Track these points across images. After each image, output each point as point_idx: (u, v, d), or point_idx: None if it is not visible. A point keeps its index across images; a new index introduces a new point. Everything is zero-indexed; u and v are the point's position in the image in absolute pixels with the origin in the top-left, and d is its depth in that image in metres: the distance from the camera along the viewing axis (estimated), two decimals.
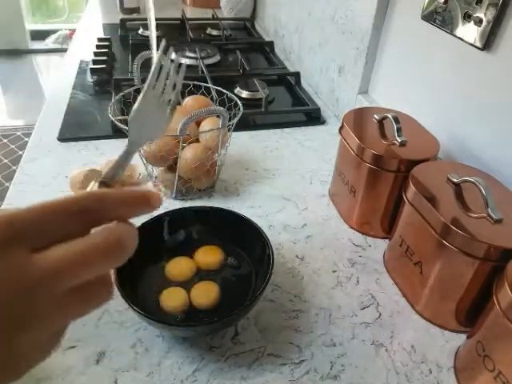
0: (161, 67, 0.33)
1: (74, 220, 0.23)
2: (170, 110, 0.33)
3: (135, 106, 0.32)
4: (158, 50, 0.71)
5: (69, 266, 0.21)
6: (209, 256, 0.57)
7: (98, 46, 1.23)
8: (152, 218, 0.58)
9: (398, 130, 0.61)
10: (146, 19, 1.44)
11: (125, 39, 1.33)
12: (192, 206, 0.61)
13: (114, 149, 0.79)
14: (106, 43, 1.26)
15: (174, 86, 0.33)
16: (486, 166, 0.60)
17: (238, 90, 1.04)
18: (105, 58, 1.15)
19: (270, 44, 1.35)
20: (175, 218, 0.59)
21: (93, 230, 0.24)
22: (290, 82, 1.14)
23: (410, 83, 0.77)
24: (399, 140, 0.61)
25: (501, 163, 0.59)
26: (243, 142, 0.88)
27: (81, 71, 1.12)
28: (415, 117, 0.69)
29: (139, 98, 0.32)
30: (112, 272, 0.26)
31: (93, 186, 0.28)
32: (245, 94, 1.03)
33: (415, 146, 0.62)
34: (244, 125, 0.91)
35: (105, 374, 0.46)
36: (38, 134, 0.86)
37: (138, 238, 0.25)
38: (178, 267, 0.56)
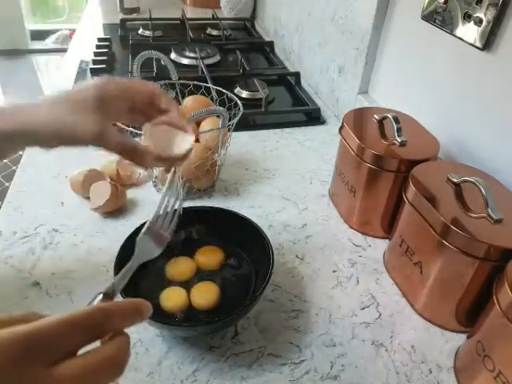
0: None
1: (85, 334, 0.26)
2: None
3: (144, 231, 0.40)
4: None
5: (84, 381, 0.24)
6: (209, 256, 0.57)
7: (97, 46, 1.23)
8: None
9: (398, 130, 0.61)
10: (146, 19, 1.45)
11: (125, 39, 1.33)
12: (192, 205, 0.61)
13: None
14: (106, 43, 1.26)
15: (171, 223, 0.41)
16: (486, 166, 0.60)
17: (238, 90, 1.04)
18: (105, 57, 1.15)
19: (270, 44, 1.35)
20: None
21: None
22: (290, 82, 1.14)
23: (409, 83, 0.77)
24: (399, 140, 0.61)
25: (501, 163, 0.59)
26: (243, 142, 0.88)
27: (81, 71, 1.12)
28: (415, 117, 0.69)
29: (146, 225, 0.40)
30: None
31: (97, 298, 0.33)
32: (245, 94, 1.03)
33: (415, 146, 0.62)
34: (244, 125, 0.91)
35: None
36: None
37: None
38: (178, 267, 0.56)
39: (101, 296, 0.32)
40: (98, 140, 0.40)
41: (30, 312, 0.26)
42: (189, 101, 0.74)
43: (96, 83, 0.42)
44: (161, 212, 0.41)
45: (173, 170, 0.44)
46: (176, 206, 0.42)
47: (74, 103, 0.40)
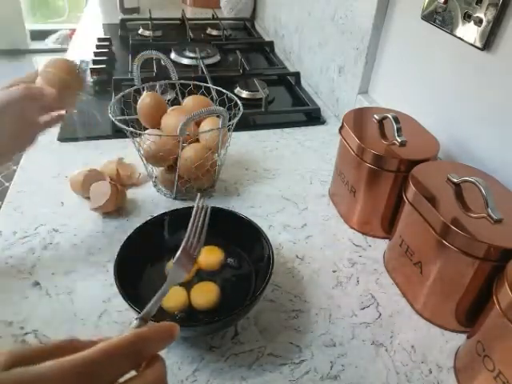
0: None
1: (128, 361, 0.27)
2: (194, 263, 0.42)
3: (177, 256, 0.41)
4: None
5: None
6: (209, 256, 0.57)
7: (97, 46, 1.23)
8: (152, 218, 0.58)
9: (398, 130, 0.61)
10: (146, 19, 1.45)
11: (125, 39, 1.33)
12: (192, 205, 0.61)
13: (113, 149, 0.79)
14: (106, 43, 1.26)
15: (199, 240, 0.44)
16: (486, 166, 0.60)
17: (238, 90, 1.04)
18: (105, 57, 1.15)
19: (270, 44, 1.35)
20: (175, 218, 0.59)
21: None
22: (290, 82, 1.14)
23: (409, 83, 0.77)
24: (399, 140, 0.61)
25: (501, 163, 0.59)
26: (243, 142, 0.88)
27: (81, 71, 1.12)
28: (415, 117, 0.69)
29: (179, 251, 0.41)
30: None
31: (133, 323, 0.33)
32: (245, 93, 1.03)
33: (415, 146, 0.62)
34: (244, 125, 0.91)
35: None
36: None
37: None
38: None
39: (137, 321, 0.34)
40: None
41: (67, 339, 0.27)
42: (189, 101, 0.74)
43: None
44: (191, 235, 0.44)
45: (199, 195, 0.46)
46: (204, 225, 0.45)
47: None
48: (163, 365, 0.28)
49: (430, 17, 0.68)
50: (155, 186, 0.73)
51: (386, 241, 0.66)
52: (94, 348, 0.25)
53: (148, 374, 0.27)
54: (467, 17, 0.60)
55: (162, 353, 0.48)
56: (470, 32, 0.60)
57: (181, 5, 1.73)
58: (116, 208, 0.67)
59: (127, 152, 0.76)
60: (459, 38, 0.62)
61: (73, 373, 0.23)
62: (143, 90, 0.74)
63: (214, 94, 0.82)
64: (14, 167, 2.34)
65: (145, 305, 0.50)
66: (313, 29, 1.11)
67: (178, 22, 1.48)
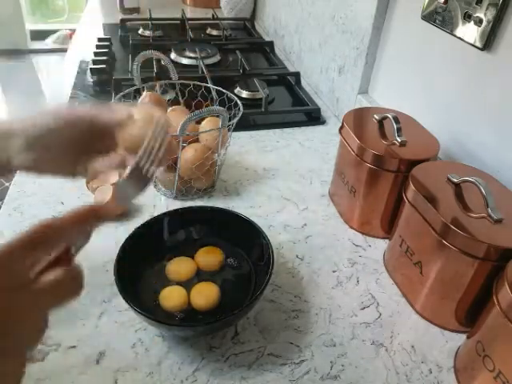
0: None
1: (39, 250, 0.28)
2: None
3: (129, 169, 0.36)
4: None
5: (51, 293, 0.27)
6: (209, 257, 0.57)
7: (97, 46, 1.23)
8: (152, 218, 0.58)
9: (398, 130, 0.61)
10: (146, 19, 1.45)
11: (125, 39, 1.33)
12: (192, 205, 0.61)
13: None
14: (106, 43, 1.26)
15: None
16: (486, 166, 0.60)
17: (238, 90, 1.04)
18: (105, 57, 1.15)
19: (270, 44, 1.35)
20: (175, 218, 0.59)
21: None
22: (290, 82, 1.14)
23: (409, 83, 0.77)
24: (399, 140, 0.61)
25: (501, 163, 0.59)
26: (243, 142, 0.88)
27: (81, 71, 1.12)
28: (415, 117, 0.69)
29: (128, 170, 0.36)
30: (82, 272, 0.30)
31: None
32: (245, 93, 1.03)
33: (415, 146, 0.62)
34: (244, 125, 0.91)
35: (105, 374, 0.46)
36: None
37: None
38: (179, 267, 0.56)
39: None
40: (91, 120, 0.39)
41: None
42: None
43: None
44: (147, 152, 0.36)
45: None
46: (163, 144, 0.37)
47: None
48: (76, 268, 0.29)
49: (430, 17, 0.68)
50: (155, 186, 0.73)
51: (386, 241, 0.66)
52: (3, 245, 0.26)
53: (65, 270, 0.28)
54: (467, 17, 0.60)
55: (163, 351, 0.49)
56: (470, 32, 0.60)
57: (181, 5, 1.73)
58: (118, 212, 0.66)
59: None
60: (459, 38, 0.62)
61: None
62: (143, 89, 0.74)
63: (214, 93, 0.82)
64: None
65: (145, 305, 0.50)
66: (313, 29, 1.11)
67: (178, 22, 1.48)
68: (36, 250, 0.27)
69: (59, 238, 0.29)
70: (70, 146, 0.39)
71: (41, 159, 0.39)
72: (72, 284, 0.28)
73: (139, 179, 0.36)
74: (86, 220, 0.32)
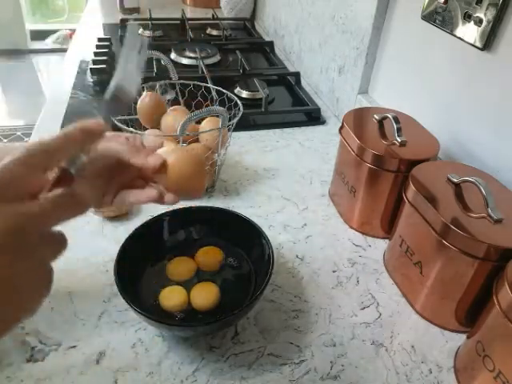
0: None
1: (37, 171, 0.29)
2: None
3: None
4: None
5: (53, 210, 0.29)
6: (209, 257, 0.57)
7: (97, 46, 1.23)
8: (152, 218, 0.58)
9: (398, 130, 0.61)
10: (146, 19, 1.45)
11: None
12: (192, 205, 0.61)
13: None
14: (106, 43, 1.26)
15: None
16: (486, 166, 0.60)
17: (238, 90, 1.04)
18: (105, 58, 1.15)
19: (270, 44, 1.35)
20: (175, 218, 0.59)
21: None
22: (290, 82, 1.14)
23: (409, 83, 0.77)
24: (399, 140, 0.61)
25: (501, 163, 0.59)
26: (243, 142, 0.88)
27: (81, 71, 1.12)
28: (415, 117, 0.69)
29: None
30: (86, 190, 0.32)
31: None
32: (245, 93, 1.03)
33: (415, 146, 0.62)
34: (244, 125, 0.91)
35: (105, 373, 0.46)
36: (38, 134, 0.86)
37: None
38: (179, 267, 0.56)
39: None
40: None
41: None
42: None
43: None
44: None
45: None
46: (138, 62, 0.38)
47: None
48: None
49: (430, 17, 0.68)
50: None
51: (386, 241, 0.66)
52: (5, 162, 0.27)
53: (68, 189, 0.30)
54: (467, 17, 0.60)
55: (163, 351, 0.49)
56: (469, 32, 0.60)
57: (181, 5, 1.73)
58: (119, 214, 0.66)
59: None
60: (459, 38, 0.62)
61: None
62: (143, 89, 0.74)
63: (214, 93, 0.82)
64: None
65: (145, 305, 0.50)
66: (313, 29, 1.11)
67: (178, 22, 1.48)
68: (34, 168, 0.28)
69: (55, 157, 0.30)
70: (101, 175, 0.39)
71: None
72: (73, 200, 0.30)
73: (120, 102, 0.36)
74: (80, 138, 0.32)
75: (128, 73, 0.36)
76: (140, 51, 0.37)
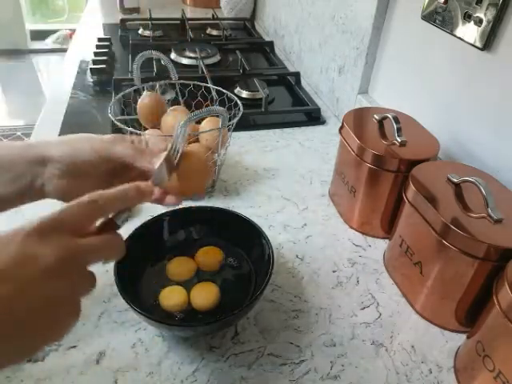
0: None
1: (92, 216, 0.33)
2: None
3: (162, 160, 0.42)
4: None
5: (97, 249, 0.33)
6: (209, 257, 0.57)
7: (97, 46, 1.23)
8: (152, 218, 0.58)
9: (398, 130, 0.61)
10: (146, 19, 1.45)
11: (125, 39, 1.33)
12: (192, 205, 0.61)
13: None
14: (106, 43, 1.26)
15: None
16: (486, 165, 0.60)
17: (238, 90, 1.04)
18: (105, 57, 1.15)
19: (270, 44, 1.35)
20: (175, 218, 0.59)
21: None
22: (290, 82, 1.14)
23: (409, 83, 0.77)
24: (399, 140, 0.61)
25: (501, 163, 0.59)
26: (243, 142, 0.88)
27: (81, 71, 1.12)
28: (415, 117, 0.69)
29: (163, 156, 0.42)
30: (122, 239, 0.35)
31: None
32: (245, 93, 1.03)
33: (415, 146, 0.62)
34: (244, 125, 0.91)
35: (105, 373, 0.46)
36: (38, 134, 0.86)
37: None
38: (179, 267, 0.56)
39: None
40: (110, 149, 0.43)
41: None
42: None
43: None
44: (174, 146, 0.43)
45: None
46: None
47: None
48: (118, 235, 0.35)
49: (430, 17, 0.68)
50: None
51: (386, 241, 0.66)
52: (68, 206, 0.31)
53: (108, 235, 0.34)
54: (467, 17, 0.60)
55: (163, 351, 0.49)
56: (470, 32, 0.60)
57: (181, 5, 1.73)
58: None
59: None
60: (459, 38, 0.62)
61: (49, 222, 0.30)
62: (143, 89, 0.74)
63: (214, 93, 0.82)
64: None
65: (145, 305, 0.50)
66: (313, 29, 1.11)
67: (178, 22, 1.48)
68: (94, 214, 0.33)
69: (106, 210, 0.34)
70: (103, 178, 0.42)
71: (73, 188, 0.41)
72: (112, 246, 0.34)
73: (170, 165, 0.42)
74: (135, 197, 0.36)
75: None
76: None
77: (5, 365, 0.27)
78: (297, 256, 0.63)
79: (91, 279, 0.32)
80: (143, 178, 0.41)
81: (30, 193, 0.41)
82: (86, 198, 0.32)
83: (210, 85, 0.80)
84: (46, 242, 0.28)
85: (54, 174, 0.40)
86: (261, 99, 0.95)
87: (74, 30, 1.68)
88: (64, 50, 1.45)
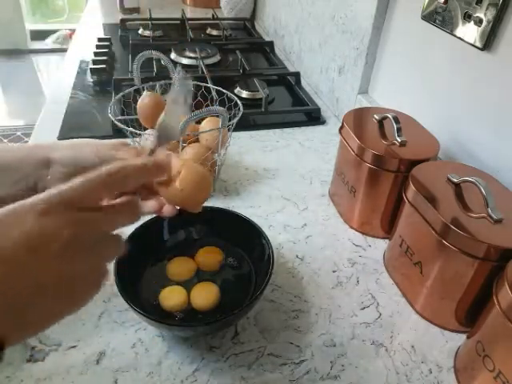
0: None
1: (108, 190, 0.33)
2: None
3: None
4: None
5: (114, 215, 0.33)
6: (209, 257, 0.57)
7: (97, 46, 1.23)
8: (152, 218, 0.58)
9: (398, 130, 0.61)
10: (146, 19, 1.45)
11: (125, 39, 1.33)
12: None
13: None
14: (106, 43, 1.26)
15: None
16: (486, 165, 0.60)
17: (238, 90, 1.04)
18: (105, 58, 1.15)
19: (270, 44, 1.35)
20: (175, 218, 0.59)
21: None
22: (290, 82, 1.14)
23: (410, 83, 0.77)
24: (399, 140, 0.61)
25: (501, 163, 0.59)
26: (243, 142, 0.88)
27: (81, 71, 1.12)
28: (415, 117, 0.69)
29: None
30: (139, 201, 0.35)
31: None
32: (245, 93, 1.03)
33: (415, 146, 0.62)
34: (244, 125, 0.91)
35: (105, 373, 0.46)
36: (38, 134, 0.86)
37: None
38: (179, 267, 0.56)
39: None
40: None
41: None
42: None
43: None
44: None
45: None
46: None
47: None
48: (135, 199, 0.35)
49: (430, 17, 0.68)
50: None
51: (386, 241, 0.66)
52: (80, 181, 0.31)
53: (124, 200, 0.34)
54: (467, 17, 0.60)
55: (163, 351, 0.49)
56: (470, 32, 0.60)
57: (181, 5, 1.73)
58: None
59: None
60: (459, 38, 0.62)
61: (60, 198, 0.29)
62: (143, 89, 0.74)
63: (213, 93, 0.82)
64: None
65: (145, 305, 0.50)
66: (313, 29, 1.11)
67: (178, 22, 1.48)
68: (111, 189, 0.33)
69: (130, 184, 0.34)
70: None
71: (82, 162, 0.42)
72: (128, 211, 0.34)
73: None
74: (153, 171, 0.36)
75: (174, 115, 0.42)
76: (186, 99, 0.42)
77: (30, 333, 0.29)
78: (297, 256, 0.63)
79: (116, 242, 0.32)
80: (145, 186, 0.41)
81: (31, 195, 0.41)
82: (103, 171, 0.31)
83: (210, 85, 0.80)
84: (59, 220, 0.28)
85: (57, 177, 0.40)
86: (261, 99, 0.95)
87: (73, 30, 1.67)
88: (64, 50, 1.45)
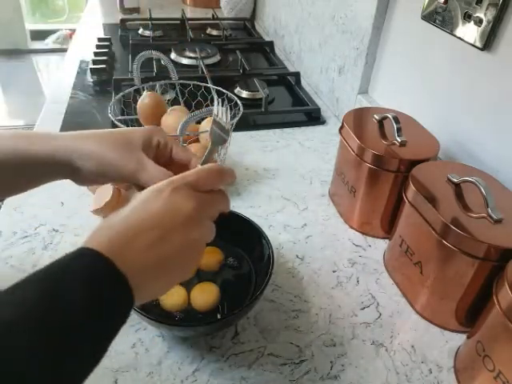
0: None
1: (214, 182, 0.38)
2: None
3: (212, 122, 0.46)
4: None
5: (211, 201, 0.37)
6: (209, 257, 0.57)
7: (98, 46, 1.23)
8: None
9: (398, 130, 0.61)
10: (146, 19, 1.45)
11: (125, 39, 1.33)
12: None
13: None
14: (106, 43, 1.26)
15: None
16: (486, 165, 0.60)
17: (238, 90, 1.04)
18: (105, 57, 1.15)
19: (270, 44, 1.35)
20: None
21: None
22: (290, 82, 1.14)
23: (410, 83, 0.77)
24: (399, 140, 0.61)
25: (501, 163, 0.59)
26: (243, 142, 0.88)
27: (81, 71, 1.12)
28: (415, 117, 0.69)
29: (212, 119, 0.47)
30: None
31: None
32: (245, 93, 1.03)
33: (415, 146, 0.62)
34: (244, 125, 0.91)
35: (105, 373, 0.46)
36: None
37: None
38: None
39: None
40: (136, 178, 0.43)
41: None
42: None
43: (146, 128, 0.46)
44: (219, 109, 0.47)
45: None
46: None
47: (120, 141, 0.43)
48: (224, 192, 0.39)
49: (430, 17, 0.68)
50: None
51: (386, 241, 0.66)
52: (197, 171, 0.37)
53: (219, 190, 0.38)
54: (467, 17, 0.60)
55: (163, 351, 0.49)
56: (470, 32, 0.60)
57: (181, 5, 1.73)
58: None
59: None
60: (459, 38, 0.62)
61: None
62: (143, 89, 0.74)
63: (213, 94, 0.82)
64: None
65: (145, 304, 0.50)
66: (313, 29, 1.11)
67: (178, 22, 1.48)
68: (216, 181, 0.38)
69: (224, 181, 0.39)
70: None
71: (107, 179, 0.46)
72: (224, 200, 0.38)
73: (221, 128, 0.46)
74: (226, 180, 0.39)
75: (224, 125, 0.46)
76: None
77: (151, 297, 0.33)
78: (297, 256, 0.63)
79: (213, 229, 0.37)
80: None
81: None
82: (217, 166, 0.38)
83: (210, 85, 0.80)
84: (186, 197, 0.34)
85: (93, 170, 0.43)
86: (261, 99, 0.95)
87: (73, 30, 1.68)
88: (64, 50, 1.45)
